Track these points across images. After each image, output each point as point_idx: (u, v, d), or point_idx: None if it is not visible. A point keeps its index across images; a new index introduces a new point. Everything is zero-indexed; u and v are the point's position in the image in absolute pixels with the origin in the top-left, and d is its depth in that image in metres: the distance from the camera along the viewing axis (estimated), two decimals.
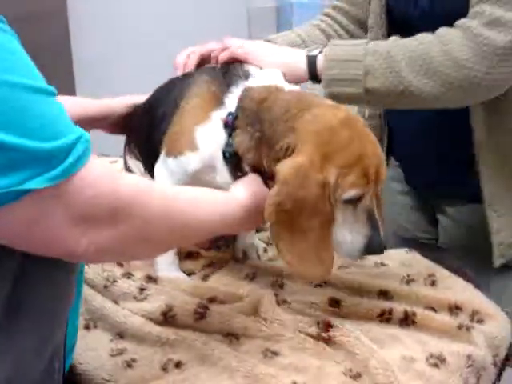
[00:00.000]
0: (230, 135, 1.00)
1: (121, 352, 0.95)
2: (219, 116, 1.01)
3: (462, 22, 1.06)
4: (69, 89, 1.95)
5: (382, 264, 1.19)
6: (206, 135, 1.02)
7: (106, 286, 1.07)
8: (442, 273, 1.13)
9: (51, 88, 0.66)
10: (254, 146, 0.97)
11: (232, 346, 0.94)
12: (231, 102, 1.01)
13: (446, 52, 1.03)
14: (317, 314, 1.00)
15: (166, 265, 1.13)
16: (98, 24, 2.22)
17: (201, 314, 1.00)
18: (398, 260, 1.18)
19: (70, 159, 0.64)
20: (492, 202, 1.21)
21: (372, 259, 1.20)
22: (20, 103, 0.61)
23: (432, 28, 1.08)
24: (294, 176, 0.88)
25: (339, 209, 0.91)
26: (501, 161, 1.21)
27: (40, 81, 0.66)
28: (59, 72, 1.86)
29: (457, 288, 1.09)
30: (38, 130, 0.62)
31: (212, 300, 1.06)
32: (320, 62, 1.09)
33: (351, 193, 0.90)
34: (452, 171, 1.29)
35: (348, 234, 0.92)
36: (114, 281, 1.08)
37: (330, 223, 0.91)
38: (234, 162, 1.01)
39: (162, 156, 1.08)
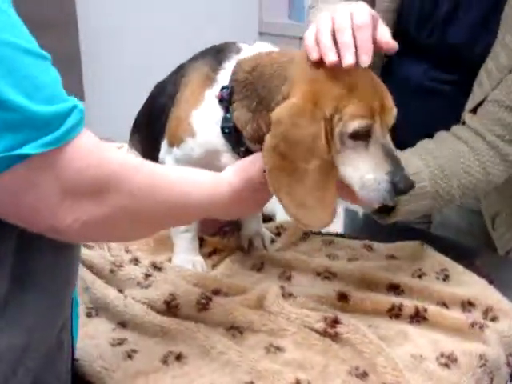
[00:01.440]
0: (227, 110, 0.96)
1: (121, 342, 0.93)
2: (213, 94, 0.98)
3: (491, 139, 1.07)
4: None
5: (393, 257, 1.16)
6: (202, 116, 0.99)
7: (112, 271, 1.05)
8: (454, 267, 1.09)
9: (45, 53, 0.64)
10: (252, 116, 0.93)
11: (235, 339, 0.91)
12: (224, 77, 0.98)
13: (487, 178, 1.08)
14: (324, 309, 0.97)
15: (185, 249, 1.12)
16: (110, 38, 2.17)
17: (203, 305, 0.97)
18: (409, 253, 1.15)
19: (65, 127, 0.62)
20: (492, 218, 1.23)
21: (382, 251, 1.17)
22: (18, 63, 0.60)
23: (439, 53, 1.10)
24: (287, 115, 0.84)
25: (349, 147, 0.85)
26: None
27: (35, 45, 0.64)
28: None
29: (470, 283, 1.05)
30: (37, 93, 0.60)
31: (216, 292, 1.04)
32: None
33: (354, 124, 0.84)
34: None
35: (368, 174, 0.85)
36: (121, 265, 1.06)
37: (331, 165, 0.85)
38: (235, 138, 0.97)
39: (165, 147, 1.07)
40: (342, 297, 0.99)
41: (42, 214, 0.64)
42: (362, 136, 0.85)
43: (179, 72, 1.07)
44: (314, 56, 0.86)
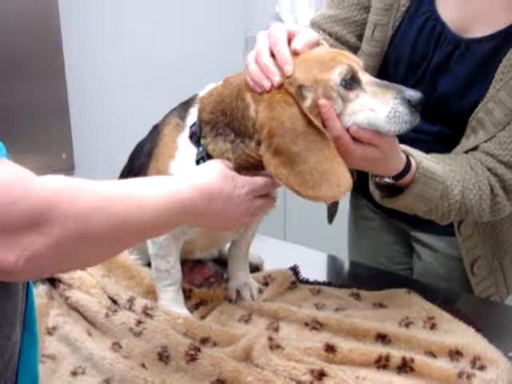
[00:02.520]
0: (198, 144, 0.99)
1: None
2: (185, 138, 1.01)
3: (499, 170, 1.09)
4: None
5: (380, 305, 1.16)
6: (180, 163, 1.01)
7: (107, 315, 1.08)
8: (442, 315, 1.10)
9: None
10: (232, 147, 0.95)
11: None
12: (191, 119, 1.01)
13: (494, 211, 1.11)
14: (311, 361, 0.96)
15: (170, 301, 1.11)
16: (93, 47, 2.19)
17: (192, 356, 0.98)
18: (397, 301, 1.15)
19: None
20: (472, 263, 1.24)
21: (370, 300, 1.17)
22: None
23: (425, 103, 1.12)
24: (265, 116, 0.87)
25: (350, 99, 0.89)
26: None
27: None
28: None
29: (457, 332, 1.05)
30: None
31: (205, 341, 1.04)
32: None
33: (337, 71, 0.88)
34: None
35: (383, 108, 0.88)
36: (115, 311, 1.08)
37: (322, 137, 0.87)
38: None
39: None
40: (329, 348, 0.99)
41: None
42: (353, 82, 0.89)
43: (154, 131, 1.10)
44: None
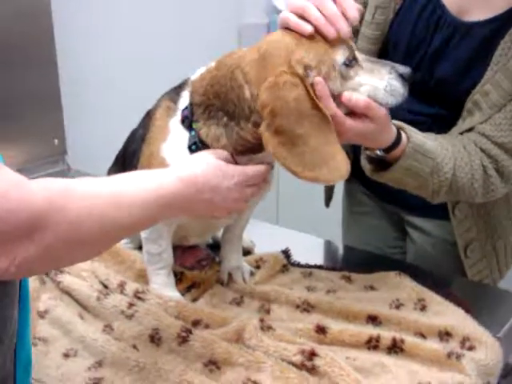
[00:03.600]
0: (190, 128, 0.98)
1: (97, 382, 0.92)
2: (177, 121, 1.00)
3: (492, 151, 1.10)
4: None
5: (371, 287, 1.16)
6: (172, 146, 1.01)
7: (99, 299, 1.08)
8: (432, 297, 1.10)
9: None
10: (225, 130, 0.95)
11: (212, 375, 0.91)
12: (183, 103, 1.00)
13: (487, 192, 1.12)
14: (302, 342, 0.97)
15: (162, 285, 1.11)
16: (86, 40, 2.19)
17: (184, 338, 0.98)
18: (388, 283, 1.16)
19: None
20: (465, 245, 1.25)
21: (361, 282, 1.18)
22: None
23: (424, 87, 1.15)
24: (268, 96, 0.87)
25: (350, 76, 0.92)
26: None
27: None
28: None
29: (447, 313, 1.06)
30: None
31: (196, 323, 1.04)
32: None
33: (341, 51, 0.91)
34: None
35: (380, 83, 0.93)
36: (107, 294, 1.08)
37: (325, 120, 0.88)
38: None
39: None
40: (320, 329, 1.00)
41: None
42: (352, 60, 0.92)
43: (146, 115, 1.09)
44: (309, 29, 0.90)
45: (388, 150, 1.04)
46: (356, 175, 1.30)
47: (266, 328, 1.00)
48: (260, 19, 2.83)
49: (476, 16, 1.11)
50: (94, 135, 2.06)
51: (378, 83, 0.93)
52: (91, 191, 0.73)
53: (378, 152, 1.05)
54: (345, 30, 0.90)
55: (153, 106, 1.08)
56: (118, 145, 1.20)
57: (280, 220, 2.70)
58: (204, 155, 0.93)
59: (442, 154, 1.07)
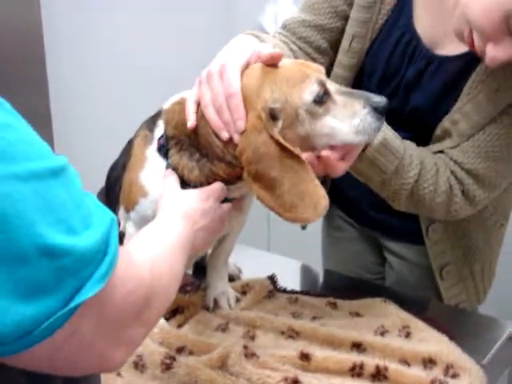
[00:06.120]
0: (166, 156, 0.99)
1: None
2: (153, 150, 1.02)
3: (459, 174, 1.11)
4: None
5: (357, 314, 1.16)
6: (150, 174, 1.02)
7: None
8: (416, 324, 1.11)
9: (62, 160, 0.51)
10: (197, 165, 0.96)
11: None
12: (159, 132, 1.02)
13: (449, 211, 1.12)
14: (285, 369, 0.96)
15: None
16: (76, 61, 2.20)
17: (167, 365, 0.98)
18: (373, 310, 1.16)
19: (113, 247, 0.50)
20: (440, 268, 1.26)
21: (346, 309, 1.18)
22: (51, 193, 0.48)
23: (399, 114, 1.16)
24: (244, 144, 0.87)
25: (320, 113, 0.89)
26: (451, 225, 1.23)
27: (48, 153, 0.51)
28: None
29: (431, 340, 1.06)
30: (77, 221, 0.48)
31: (180, 350, 1.04)
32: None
33: (309, 89, 0.88)
34: (397, 216, 1.25)
35: (353, 120, 0.90)
36: None
37: (297, 159, 0.88)
38: (181, 180, 0.98)
39: (123, 215, 1.08)
40: (304, 356, 0.99)
41: (85, 362, 0.53)
42: (323, 95, 0.89)
43: (128, 144, 1.11)
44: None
45: None
46: (335, 200, 1.31)
47: (249, 355, 1.00)
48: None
49: (449, 50, 1.13)
50: (83, 153, 2.06)
51: (349, 123, 0.90)
52: (155, 249, 0.68)
53: None
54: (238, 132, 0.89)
55: (134, 134, 1.10)
56: (108, 163, 1.21)
57: (271, 246, 2.71)
58: (174, 188, 0.94)
59: (410, 159, 1.08)
